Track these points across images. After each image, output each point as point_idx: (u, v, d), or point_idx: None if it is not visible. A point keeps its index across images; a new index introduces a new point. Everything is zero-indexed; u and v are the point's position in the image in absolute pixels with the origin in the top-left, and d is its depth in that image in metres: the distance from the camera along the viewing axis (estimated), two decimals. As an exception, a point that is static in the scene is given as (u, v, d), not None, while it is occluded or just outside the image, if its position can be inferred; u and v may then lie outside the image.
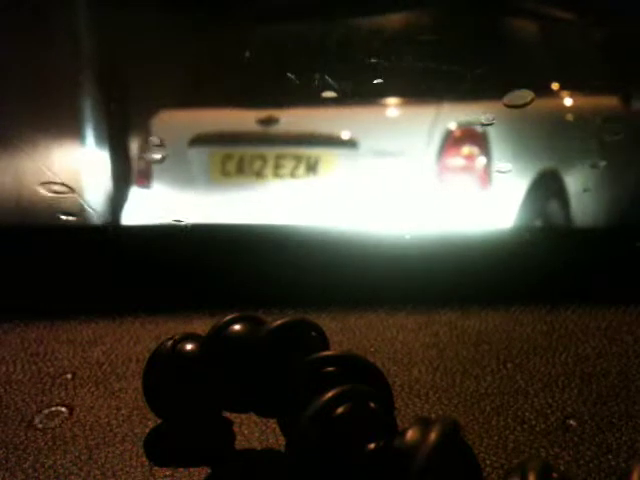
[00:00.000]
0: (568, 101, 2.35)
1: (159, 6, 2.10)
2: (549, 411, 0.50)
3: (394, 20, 2.22)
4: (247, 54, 2.22)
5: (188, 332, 0.49)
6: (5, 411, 0.51)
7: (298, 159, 2.12)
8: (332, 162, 2.08)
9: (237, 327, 0.45)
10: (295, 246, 0.78)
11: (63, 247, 0.78)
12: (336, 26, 2.23)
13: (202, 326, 0.63)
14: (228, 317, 0.45)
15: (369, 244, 0.78)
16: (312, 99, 2.05)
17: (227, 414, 0.49)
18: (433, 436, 0.32)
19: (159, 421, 0.49)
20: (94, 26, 2.19)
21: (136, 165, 2.29)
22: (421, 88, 2.08)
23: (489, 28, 2.31)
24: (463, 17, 2.23)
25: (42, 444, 0.47)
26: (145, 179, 2.23)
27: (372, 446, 0.35)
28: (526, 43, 2.41)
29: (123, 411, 0.51)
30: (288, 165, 2.12)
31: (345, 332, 0.66)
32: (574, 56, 2.44)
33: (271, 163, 2.12)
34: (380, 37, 2.20)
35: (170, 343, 0.47)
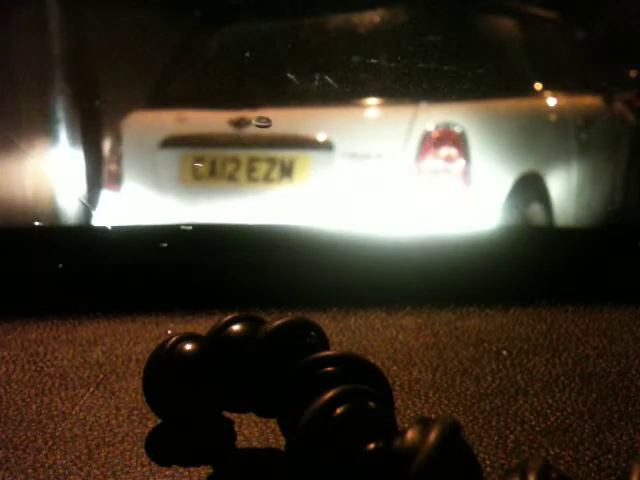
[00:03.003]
0: (550, 101, 2.33)
1: (130, 5, 2.08)
2: (549, 411, 0.50)
3: (369, 18, 2.19)
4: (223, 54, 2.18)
5: (188, 332, 0.49)
6: (5, 411, 0.51)
7: (272, 162, 2.09)
8: (307, 165, 2.04)
9: (237, 327, 0.45)
10: (295, 246, 0.78)
11: (63, 247, 0.78)
12: (308, 24, 2.19)
13: (202, 326, 0.63)
14: (228, 317, 0.45)
15: (368, 245, 0.78)
16: (286, 100, 2.02)
17: (227, 414, 0.49)
18: (433, 436, 0.32)
19: (159, 421, 0.49)
20: (65, 25, 2.16)
21: (107, 168, 2.25)
22: (398, 88, 2.06)
23: (468, 27, 2.28)
24: (441, 15, 2.20)
25: (42, 444, 0.47)
26: (116, 182, 2.20)
27: (372, 446, 0.35)
28: (506, 42, 2.39)
29: (123, 411, 0.51)
30: (262, 168, 2.09)
31: (345, 332, 0.66)
32: (556, 56, 2.42)
33: (244, 166, 2.08)
34: (354, 36, 2.18)
35: (170, 343, 0.47)
